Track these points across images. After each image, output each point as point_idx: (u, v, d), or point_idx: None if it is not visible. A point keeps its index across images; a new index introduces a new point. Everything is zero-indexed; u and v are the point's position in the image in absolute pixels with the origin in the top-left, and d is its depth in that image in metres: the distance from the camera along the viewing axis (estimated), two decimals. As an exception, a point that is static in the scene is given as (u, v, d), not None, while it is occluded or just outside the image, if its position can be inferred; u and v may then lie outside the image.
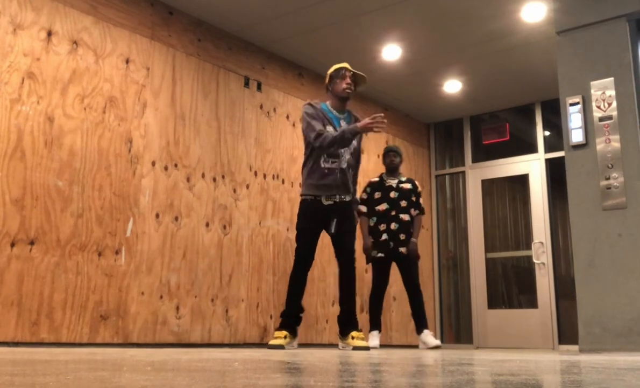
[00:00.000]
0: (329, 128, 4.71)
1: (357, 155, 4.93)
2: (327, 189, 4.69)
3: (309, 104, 4.82)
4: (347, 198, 4.76)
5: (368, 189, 5.88)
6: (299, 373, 1.90)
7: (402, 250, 5.69)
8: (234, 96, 5.83)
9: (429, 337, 5.66)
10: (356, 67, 5.01)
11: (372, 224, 5.76)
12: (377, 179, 5.94)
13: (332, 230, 4.68)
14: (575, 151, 4.74)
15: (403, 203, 5.76)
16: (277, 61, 6.33)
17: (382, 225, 5.73)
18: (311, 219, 4.71)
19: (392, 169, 5.91)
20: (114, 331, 4.63)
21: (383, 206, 5.76)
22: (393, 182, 5.85)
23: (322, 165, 4.70)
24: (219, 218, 5.49)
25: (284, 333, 4.59)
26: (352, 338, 4.67)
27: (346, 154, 4.77)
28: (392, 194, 5.76)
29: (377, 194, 5.79)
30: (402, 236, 5.70)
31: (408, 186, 5.84)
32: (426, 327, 5.72)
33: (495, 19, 5.67)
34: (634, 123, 4.53)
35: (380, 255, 5.72)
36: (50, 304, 4.30)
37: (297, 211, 4.81)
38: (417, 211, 5.83)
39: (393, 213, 5.72)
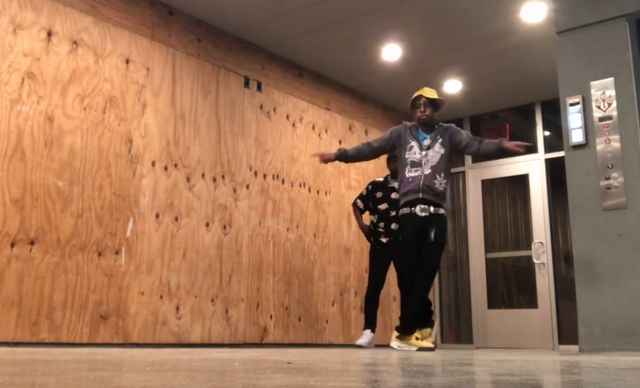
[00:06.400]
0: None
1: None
2: None
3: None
4: None
5: (369, 187, 5.99)
6: (299, 373, 1.90)
7: None
8: (234, 96, 5.83)
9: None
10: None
11: (374, 221, 5.83)
12: (381, 179, 6.02)
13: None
14: (575, 151, 4.73)
15: None
16: (277, 61, 6.33)
17: (382, 223, 5.78)
18: None
19: (396, 174, 5.93)
20: (114, 331, 4.63)
21: (383, 206, 5.82)
22: (396, 184, 5.87)
23: None
24: (219, 218, 5.49)
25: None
26: (417, 338, 4.80)
27: None
28: (394, 196, 5.78)
29: (378, 194, 5.88)
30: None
31: None
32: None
33: (495, 19, 5.67)
34: (634, 123, 4.53)
35: (378, 247, 5.78)
36: (50, 304, 4.30)
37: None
38: None
39: (393, 213, 5.75)
